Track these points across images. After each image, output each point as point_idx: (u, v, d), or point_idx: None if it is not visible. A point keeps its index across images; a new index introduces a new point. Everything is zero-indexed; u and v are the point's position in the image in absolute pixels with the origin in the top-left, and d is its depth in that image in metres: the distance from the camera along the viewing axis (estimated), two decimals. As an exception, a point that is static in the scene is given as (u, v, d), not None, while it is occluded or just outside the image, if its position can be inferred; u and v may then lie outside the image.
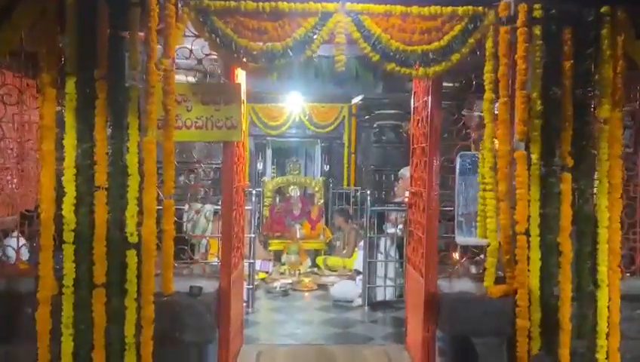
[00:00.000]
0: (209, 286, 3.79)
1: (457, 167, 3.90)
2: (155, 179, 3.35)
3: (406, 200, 5.15)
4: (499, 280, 3.63)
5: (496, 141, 3.59)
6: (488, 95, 3.57)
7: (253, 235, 5.87)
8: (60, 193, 3.30)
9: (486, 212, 3.63)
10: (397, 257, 6.17)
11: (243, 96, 4.19)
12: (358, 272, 6.38)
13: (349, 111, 10.70)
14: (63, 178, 3.28)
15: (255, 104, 10.52)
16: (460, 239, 3.90)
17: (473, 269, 4.09)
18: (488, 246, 3.61)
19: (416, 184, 4.38)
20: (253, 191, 6.08)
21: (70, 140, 3.28)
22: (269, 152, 11.72)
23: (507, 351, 3.61)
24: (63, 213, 3.26)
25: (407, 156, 4.86)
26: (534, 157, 3.48)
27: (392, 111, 8.91)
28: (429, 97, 3.94)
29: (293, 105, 10.34)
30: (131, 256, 3.30)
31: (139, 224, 3.32)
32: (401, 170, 6.51)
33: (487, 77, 3.57)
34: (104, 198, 3.30)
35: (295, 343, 4.95)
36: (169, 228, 3.43)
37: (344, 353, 4.58)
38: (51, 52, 3.29)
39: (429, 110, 3.93)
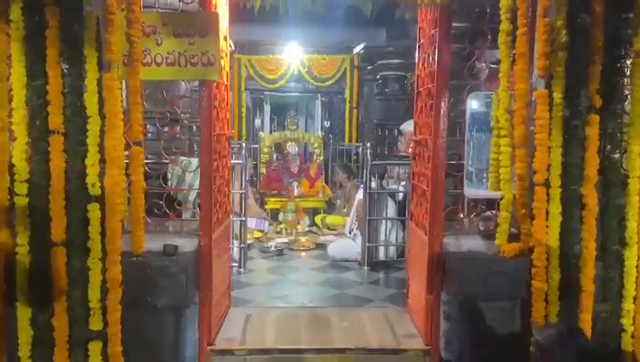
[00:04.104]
0: (188, 244, 3.42)
1: (468, 109, 3.44)
2: (120, 122, 2.90)
3: (410, 151, 4.73)
4: (512, 238, 3.23)
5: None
6: (505, 25, 3.08)
7: (243, 191, 5.45)
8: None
9: (500, 160, 3.18)
10: (399, 215, 5.79)
11: (225, 32, 3.71)
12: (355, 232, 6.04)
13: (350, 63, 10.19)
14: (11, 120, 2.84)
15: (251, 55, 10.03)
16: (470, 191, 3.48)
17: (482, 226, 3.68)
18: (501, 199, 3.19)
19: (421, 131, 3.92)
20: (243, 144, 5.65)
21: (18, 77, 2.81)
22: (267, 108, 11.26)
23: (520, 316, 3.24)
24: (13, 161, 2.82)
25: (411, 109, 4.36)
26: (557, 96, 2.98)
27: (397, 61, 8.45)
28: (437, 30, 3.44)
29: (292, 56, 9.82)
30: (93, 211, 2.88)
31: (101, 174, 2.90)
32: (402, 125, 6.13)
33: (504, 4, 3.07)
34: (60, 144, 2.85)
35: (287, 305, 4.59)
36: (137, 178, 3.02)
37: (339, 316, 4.20)
38: (-7, -28, 2.80)
39: (437, 44, 3.44)
